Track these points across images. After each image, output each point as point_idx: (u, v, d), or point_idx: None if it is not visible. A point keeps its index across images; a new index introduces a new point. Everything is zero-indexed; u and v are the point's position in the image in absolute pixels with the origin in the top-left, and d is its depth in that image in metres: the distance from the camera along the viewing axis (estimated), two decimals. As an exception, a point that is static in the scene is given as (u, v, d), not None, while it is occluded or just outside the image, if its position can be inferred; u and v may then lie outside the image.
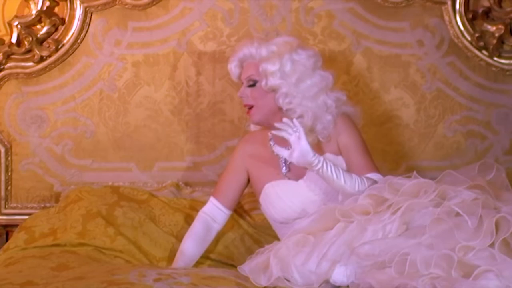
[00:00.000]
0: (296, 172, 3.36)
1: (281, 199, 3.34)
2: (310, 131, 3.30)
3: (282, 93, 3.31)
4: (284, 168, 3.39)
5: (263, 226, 3.64)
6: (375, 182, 3.19)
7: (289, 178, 3.38)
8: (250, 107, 3.37)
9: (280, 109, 3.34)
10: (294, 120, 3.19)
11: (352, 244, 2.95)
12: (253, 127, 3.56)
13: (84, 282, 2.87)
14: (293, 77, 3.31)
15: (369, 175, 3.24)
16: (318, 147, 3.33)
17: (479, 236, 2.78)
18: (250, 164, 3.45)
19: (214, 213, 3.44)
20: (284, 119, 3.18)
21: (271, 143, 3.34)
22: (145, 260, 3.49)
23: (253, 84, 3.35)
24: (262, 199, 3.41)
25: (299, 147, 3.14)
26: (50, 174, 4.02)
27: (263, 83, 3.32)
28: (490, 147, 4.03)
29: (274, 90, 3.32)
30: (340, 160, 3.33)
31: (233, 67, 3.42)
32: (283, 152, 3.20)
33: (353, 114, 3.43)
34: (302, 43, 3.47)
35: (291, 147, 3.16)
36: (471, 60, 4.01)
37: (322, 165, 3.15)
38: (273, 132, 3.23)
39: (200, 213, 3.45)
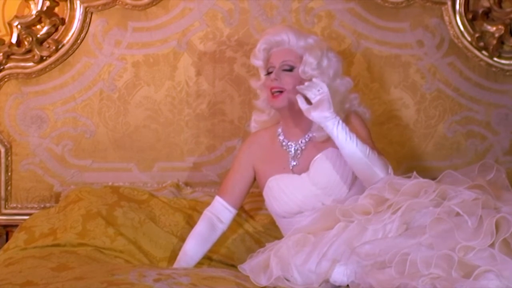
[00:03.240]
0: (302, 167, 3.36)
1: (283, 192, 3.34)
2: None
3: None
4: (293, 162, 3.39)
5: (264, 226, 3.64)
6: (383, 158, 3.23)
7: (294, 172, 3.38)
8: (279, 92, 3.34)
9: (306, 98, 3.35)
10: (322, 83, 3.22)
11: (352, 244, 2.95)
12: (253, 128, 3.55)
13: (84, 282, 2.87)
14: (329, 71, 3.35)
15: None
16: (324, 141, 3.34)
17: (479, 236, 2.78)
18: (257, 160, 3.45)
19: (220, 212, 3.43)
20: (314, 79, 3.22)
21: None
22: (145, 260, 3.49)
23: (289, 69, 3.35)
24: (265, 192, 3.41)
25: (320, 102, 3.18)
26: (50, 174, 4.02)
27: (301, 69, 3.33)
28: (490, 148, 4.03)
29: (310, 79, 3.31)
30: (343, 155, 3.33)
31: (262, 50, 3.40)
32: (303, 105, 3.22)
33: (364, 115, 3.45)
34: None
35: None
36: (471, 61, 4.01)
37: (338, 122, 3.18)
38: (298, 87, 3.24)
39: (205, 212, 3.45)
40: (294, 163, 3.39)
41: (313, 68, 3.32)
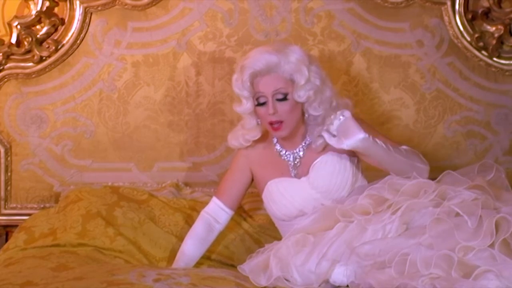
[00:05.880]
0: (301, 172, 3.36)
1: (283, 196, 3.34)
2: (320, 135, 3.30)
3: (311, 101, 3.26)
4: (294, 171, 3.37)
5: (263, 227, 3.64)
6: (410, 148, 3.22)
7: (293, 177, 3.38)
8: (278, 122, 3.26)
9: (302, 117, 3.33)
10: (342, 112, 3.16)
11: (352, 244, 2.95)
12: (236, 143, 3.44)
13: (83, 282, 2.87)
14: (317, 82, 3.26)
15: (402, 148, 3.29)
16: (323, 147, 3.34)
17: (479, 236, 2.79)
18: (254, 163, 3.44)
19: (216, 213, 3.43)
20: (338, 113, 3.16)
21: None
22: (145, 260, 3.49)
23: (283, 98, 3.24)
24: (264, 196, 3.40)
25: (347, 128, 3.12)
26: (50, 174, 4.02)
27: (296, 95, 3.24)
28: (490, 148, 4.04)
29: (307, 100, 3.26)
30: (344, 157, 3.32)
31: (248, 80, 3.24)
32: (332, 141, 3.16)
33: (347, 107, 3.42)
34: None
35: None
36: (470, 61, 4.01)
37: (370, 138, 3.12)
38: (322, 130, 3.20)
39: (202, 213, 3.44)
40: (295, 172, 3.37)
41: (307, 89, 3.23)
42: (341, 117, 3.15)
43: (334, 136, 3.16)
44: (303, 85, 3.23)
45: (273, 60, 3.23)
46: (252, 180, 3.47)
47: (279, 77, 3.24)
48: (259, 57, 3.24)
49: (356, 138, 3.12)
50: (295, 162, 3.37)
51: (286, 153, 3.38)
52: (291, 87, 3.25)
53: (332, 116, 3.18)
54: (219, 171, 3.99)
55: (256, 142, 3.42)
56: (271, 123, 3.26)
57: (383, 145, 3.16)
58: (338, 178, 3.29)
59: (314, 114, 3.27)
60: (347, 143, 3.12)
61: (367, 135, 3.11)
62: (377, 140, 3.15)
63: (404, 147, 3.31)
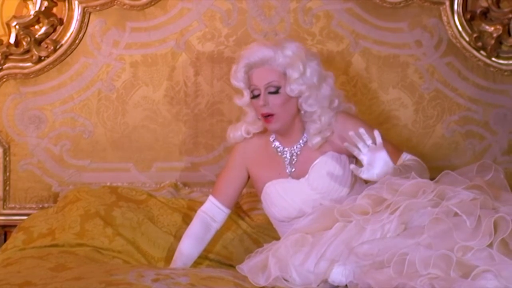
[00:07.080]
0: (299, 172, 3.36)
1: (282, 197, 3.34)
2: (320, 132, 3.30)
3: (306, 97, 3.29)
4: (290, 168, 3.38)
5: (262, 226, 3.64)
6: (413, 159, 3.30)
7: (292, 177, 3.38)
8: (270, 115, 3.29)
9: (298, 112, 3.34)
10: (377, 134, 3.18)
11: (350, 244, 2.95)
12: (239, 138, 3.47)
13: (82, 282, 2.87)
14: (314, 79, 3.29)
15: (403, 156, 3.34)
16: (321, 147, 3.34)
17: (477, 236, 2.79)
18: (251, 163, 3.44)
19: (213, 212, 3.43)
20: (361, 130, 3.17)
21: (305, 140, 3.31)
22: (144, 260, 3.49)
23: (275, 91, 3.28)
24: (263, 197, 3.41)
25: (376, 158, 3.15)
26: (49, 174, 4.02)
27: (288, 89, 3.27)
28: (489, 148, 4.04)
29: (299, 95, 3.28)
30: (343, 158, 3.33)
31: (242, 72, 3.30)
32: (363, 174, 3.16)
33: (350, 111, 3.45)
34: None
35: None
36: (469, 61, 4.01)
37: (398, 168, 3.18)
38: (346, 144, 3.21)
39: (199, 212, 3.45)
40: (291, 169, 3.38)
41: (300, 83, 3.26)
42: (370, 143, 3.16)
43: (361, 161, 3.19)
44: (296, 79, 3.26)
45: (268, 53, 3.27)
46: (249, 177, 3.47)
47: (272, 70, 3.28)
48: (255, 49, 3.31)
49: (386, 170, 3.15)
50: (292, 159, 3.37)
51: (284, 149, 3.38)
52: (284, 80, 3.28)
53: (360, 130, 3.17)
54: (218, 171, 3.98)
55: (254, 138, 3.43)
56: (263, 115, 3.30)
57: (403, 170, 3.18)
58: (337, 179, 3.30)
59: (309, 110, 3.30)
60: (377, 173, 3.16)
61: (395, 166, 3.16)
62: (400, 167, 3.19)
63: (404, 156, 3.35)
